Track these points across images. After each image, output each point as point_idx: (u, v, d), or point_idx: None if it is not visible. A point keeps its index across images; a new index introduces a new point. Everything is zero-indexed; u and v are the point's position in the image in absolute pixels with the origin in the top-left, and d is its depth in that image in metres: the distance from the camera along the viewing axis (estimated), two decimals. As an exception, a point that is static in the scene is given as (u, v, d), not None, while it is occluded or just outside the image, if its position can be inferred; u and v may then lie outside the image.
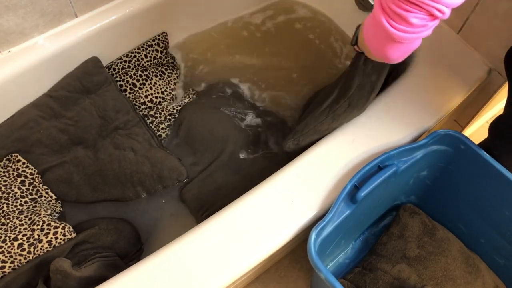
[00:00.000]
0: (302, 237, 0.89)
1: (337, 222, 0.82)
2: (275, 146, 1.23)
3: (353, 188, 0.83)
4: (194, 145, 1.21)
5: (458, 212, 1.01)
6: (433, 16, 0.53)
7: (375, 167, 0.85)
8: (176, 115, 1.25)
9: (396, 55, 0.60)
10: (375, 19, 0.57)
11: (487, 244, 0.98)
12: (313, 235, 0.78)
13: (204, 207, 1.10)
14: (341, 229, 0.88)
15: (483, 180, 0.90)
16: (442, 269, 0.94)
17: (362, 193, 0.81)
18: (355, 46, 0.80)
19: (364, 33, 0.65)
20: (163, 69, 1.30)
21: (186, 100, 1.27)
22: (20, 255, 0.94)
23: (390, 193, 1.00)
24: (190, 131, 1.22)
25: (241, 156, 1.19)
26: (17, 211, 1.02)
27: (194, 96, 1.30)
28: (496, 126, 0.93)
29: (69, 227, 0.99)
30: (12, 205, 1.03)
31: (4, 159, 1.09)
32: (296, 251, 1.14)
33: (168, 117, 1.24)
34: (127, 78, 1.24)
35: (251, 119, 1.27)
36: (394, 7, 0.52)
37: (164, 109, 1.24)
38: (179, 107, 1.26)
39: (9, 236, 0.95)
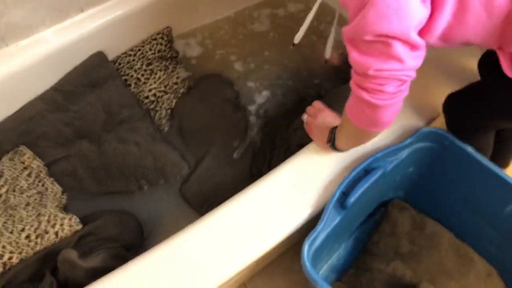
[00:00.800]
0: (306, 229, 0.90)
1: (329, 230, 0.82)
2: (266, 133, 1.25)
3: (342, 195, 0.83)
4: (186, 138, 1.22)
5: (446, 205, 1.02)
6: (403, 81, 0.63)
7: (362, 171, 0.85)
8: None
9: (387, 118, 0.69)
10: (358, 97, 0.66)
11: (478, 234, 0.99)
12: (305, 247, 0.77)
13: (208, 201, 1.11)
14: (333, 235, 0.87)
15: (469, 173, 0.91)
16: (436, 262, 0.95)
17: (351, 199, 0.81)
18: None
19: (351, 116, 0.73)
20: (167, 63, 1.31)
21: (182, 91, 1.29)
22: (28, 245, 0.95)
23: (378, 192, 1.00)
24: (181, 124, 1.23)
25: (234, 145, 1.20)
26: (24, 203, 1.03)
27: (189, 87, 1.31)
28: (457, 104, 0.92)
29: (76, 218, 1.00)
30: (19, 197, 1.04)
31: (11, 152, 1.10)
32: (299, 243, 1.15)
33: (167, 111, 1.25)
34: (132, 72, 1.25)
35: (243, 107, 1.29)
36: (370, 85, 0.63)
37: (165, 102, 1.25)
38: (176, 100, 1.27)
39: (17, 227, 0.97)
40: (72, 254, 0.88)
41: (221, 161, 1.18)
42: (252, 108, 1.30)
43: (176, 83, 1.30)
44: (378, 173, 0.85)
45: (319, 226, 0.79)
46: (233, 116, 1.25)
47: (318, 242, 0.81)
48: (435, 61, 1.05)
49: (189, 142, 1.21)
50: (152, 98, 1.25)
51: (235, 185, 1.12)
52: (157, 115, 1.24)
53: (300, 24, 0.99)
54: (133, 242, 1.04)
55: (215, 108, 1.25)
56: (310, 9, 0.99)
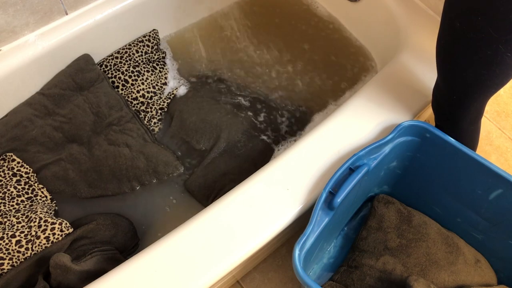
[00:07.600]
0: (299, 225, 0.91)
1: (318, 232, 0.81)
2: (268, 128, 1.26)
3: (328, 195, 0.83)
4: (189, 136, 1.22)
5: (431, 196, 1.02)
6: None
7: (347, 170, 0.85)
8: (166, 109, 1.26)
9: None
10: None
11: (464, 222, 0.99)
12: (296, 252, 0.76)
13: (213, 192, 1.12)
14: (323, 236, 0.87)
15: (452, 163, 0.92)
16: (425, 254, 0.95)
17: (338, 199, 0.81)
18: None
19: None
20: (154, 65, 1.30)
21: (175, 92, 1.28)
22: (18, 251, 0.94)
23: (364, 189, 1.00)
24: (183, 122, 1.23)
25: (237, 139, 1.21)
26: (13, 210, 1.02)
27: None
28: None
29: (66, 223, 0.99)
30: (8, 204, 1.03)
31: (-1, 158, 1.09)
32: (292, 240, 1.15)
33: (159, 111, 1.25)
34: (119, 74, 1.24)
35: (240, 104, 1.29)
36: None
37: (155, 103, 1.25)
38: (169, 100, 1.27)
39: (7, 234, 0.96)
40: (64, 258, 0.88)
41: (227, 154, 1.18)
42: (249, 103, 1.31)
43: (165, 83, 1.29)
44: (363, 170, 0.85)
45: (308, 229, 0.79)
46: (233, 112, 1.26)
47: (308, 245, 0.80)
48: (416, 59, 1.06)
49: (192, 140, 1.22)
50: (142, 99, 1.24)
51: (239, 175, 1.13)
52: (147, 116, 1.23)
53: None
54: (127, 244, 1.04)
55: (216, 105, 1.26)
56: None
